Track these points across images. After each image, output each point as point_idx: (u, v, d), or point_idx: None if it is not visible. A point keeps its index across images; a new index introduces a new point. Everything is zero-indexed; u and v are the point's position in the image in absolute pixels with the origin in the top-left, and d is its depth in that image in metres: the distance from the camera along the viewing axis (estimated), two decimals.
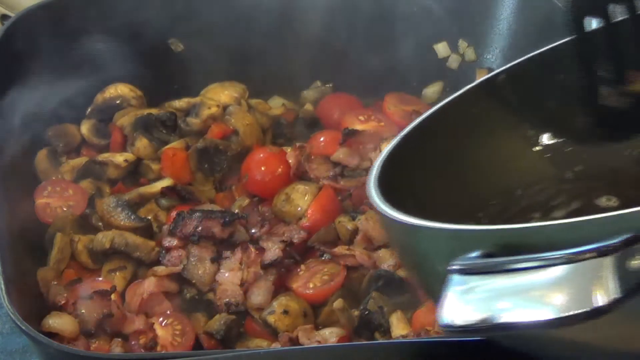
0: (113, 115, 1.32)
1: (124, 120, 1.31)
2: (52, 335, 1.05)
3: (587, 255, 0.53)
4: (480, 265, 0.56)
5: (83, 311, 1.09)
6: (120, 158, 1.27)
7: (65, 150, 1.30)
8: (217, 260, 1.15)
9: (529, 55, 0.85)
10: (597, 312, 0.52)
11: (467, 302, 0.55)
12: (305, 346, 1.05)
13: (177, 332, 1.11)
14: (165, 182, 1.25)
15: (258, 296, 1.12)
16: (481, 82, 0.84)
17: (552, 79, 0.84)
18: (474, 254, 0.58)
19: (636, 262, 0.52)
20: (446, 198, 0.77)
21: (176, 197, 1.24)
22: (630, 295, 0.52)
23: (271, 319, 1.10)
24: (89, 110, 1.33)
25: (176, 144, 1.28)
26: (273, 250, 1.14)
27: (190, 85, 1.37)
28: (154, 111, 1.31)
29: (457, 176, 0.80)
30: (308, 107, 1.37)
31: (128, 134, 1.29)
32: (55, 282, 1.14)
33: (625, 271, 0.52)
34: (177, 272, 1.14)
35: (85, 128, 1.32)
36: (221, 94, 1.35)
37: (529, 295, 0.53)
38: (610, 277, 0.52)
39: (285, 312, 1.11)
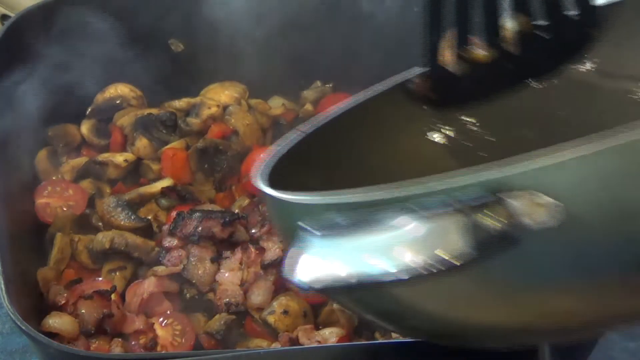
0: (113, 115, 1.32)
1: (124, 120, 1.31)
2: (52, 335, 1.05)
3: (440, 212, 0.52)
4: (333, 225, 0.56)
5: (83, 311, 1.09)
6: (120, 158, 1.27)
7: (65, 150, 1.30)
8: (217, 260, 1.15)
9: None
10: (447, 268, 0.51)
11: (319, 262, 0.55)
12: (305, 346, 1.05)
13: (177, 332, 1.11)
14: (165, 182, 1.25)
15: (258, 296, 1.13)
16: (397, 84, 0.84)
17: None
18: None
19: (488, 220, 0.52)
20: None
21: (176, 197, 1.24)
22: (482, 253, 0.52)
23: (271, 319, 1.10)
24: (89, 110, 1.33)
25: (176, 144, 1.28)
26: (273, 250, 1.14)
27: (190, 85, 1.37)
28: (154, 111, 1.31)
29: (364, 177, 0.80)
30: (308, 107, 1.37)
31: (128, 134, 1.29)
32: (55, 282, 1.14)
33: (477, 229, 0.52)
34: (177, 272, 1.14)
35: (85, 128, 1.32)
36: (221, 94, 1.35)
37: (380, 253, 0.53)
38: (461, 235, 0.51)
39: (285, 312, 1.11)
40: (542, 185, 0.52)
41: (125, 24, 1.30)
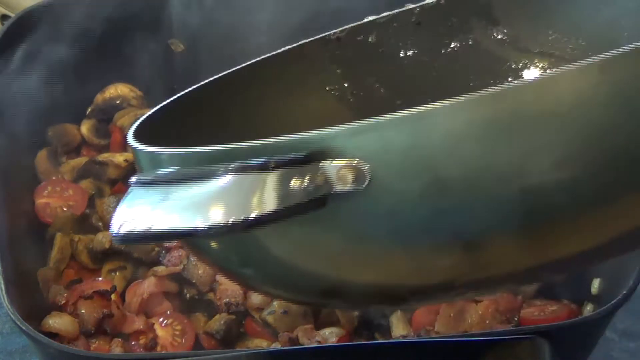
0: (113, 115, 1.32)
1: (124, 120, 1.31)
2: (52, 335, 1.05)
3: (250, 168, 0.52)
4: (157, 177, 0.56)
5: (83, 311, 1.09)
6: (120, 158, 1.27)
7: (65, 150, 1.30)
8: None
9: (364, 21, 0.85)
10: (250, 223, 0.52)
11: (134, 212, 0.55)
12: (305, 346, 1.05)
13: (177, 332, 1.11)
14: None
15: (258, 296, 1.12)
16: (307, 42, 0.83)
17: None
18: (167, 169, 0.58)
19: (297, 182, 0.52)
20: None
21: None
22: (288, 211, 0.52)
23: (271, 319, 1.10)
24: (89, 110, 1.33)
25: None
26: None
27: (190, 85, 1.36)
28: None
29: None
30: None
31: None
32: (55, 282, 1.14)
33: (286, 189, 0.52)
34: (177, 272, 1.14)
35: (85, 128, 1.32)
36: None
37: (192, 204, 0.53)
38: (269, 192, 0.52)
39: (285, 312, 1.11)
40: (352, 149, 0.52)
41: (125, 23, 1.31)
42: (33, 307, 1.09)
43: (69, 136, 1.31)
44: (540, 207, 0.53)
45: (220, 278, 1.14)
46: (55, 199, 1.23)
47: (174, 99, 0.77)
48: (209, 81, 0.80)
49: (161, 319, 1.11)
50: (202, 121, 0.78)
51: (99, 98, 1.33)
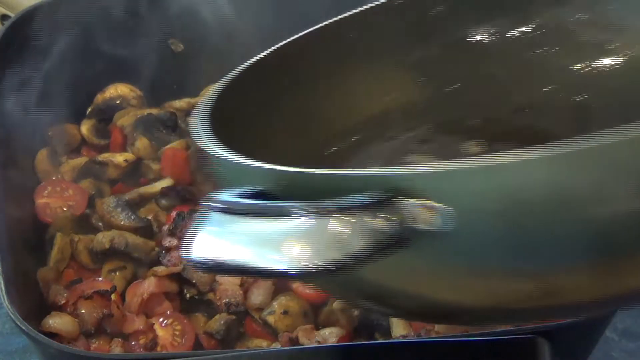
0: (113, 115, 1.32)
1: (124, 120, 1.31)
2: (52, 335, 1.05)
3: (332, 208, 0.51)
4: (236, 207, 0.54)
5: (83, 311, 1.09)
6: (120, 158, 1.27)
7: (65, 150, 1.30)
8: None
9: None
10: (338, 266, 0.50)
11: (216, 241, 0.53)
12: (305, 346, 1.05)
13: (177, 332, 1.11)
14: (165, 182, 1.25)
15: (258, 296, 1.13)
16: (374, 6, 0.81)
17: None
18: (240, 191, 0.56)
19: (381, 222, 0.51)
20: (303, 131, 0.75)
21: (176, 197, 1.24)
22: (373, 253, 0.51)
23: (271, 319, 1.10)
24: (89, 110, 1.33)
25: (176, 144, 1.28)
26: None
27: (190, 85, 1.37)
28: (154, 111, 1.31)
29: (317, 107, 0.78)
30: None
31: (128, 134, 1.29)
32: (55, 282, 1.14)
33: (370, 230, 0.51)
34: (177, 272, 1.14)
35: (85, 128, 1.32)
36: None
37: (272, 243, 0.51)
38: (353, 234, 0.50)
39: (285, 312, 1.11)
40: (434, 190, 0.52)
41: (125, 23, 1.31)
42: (33, 307, 1.09)
43: (69, 136, 1.31)
44: (619, 240, 0.53)
45: (220, 278, 1.14)
46: (55, 199, 1.23)
47: (233, 78, 0.73)
48: (266, 54, 0.77)
49: (161, 319, 1.11)
50: (263, 97, 0.75)
51: (99, 98, 1.33)
